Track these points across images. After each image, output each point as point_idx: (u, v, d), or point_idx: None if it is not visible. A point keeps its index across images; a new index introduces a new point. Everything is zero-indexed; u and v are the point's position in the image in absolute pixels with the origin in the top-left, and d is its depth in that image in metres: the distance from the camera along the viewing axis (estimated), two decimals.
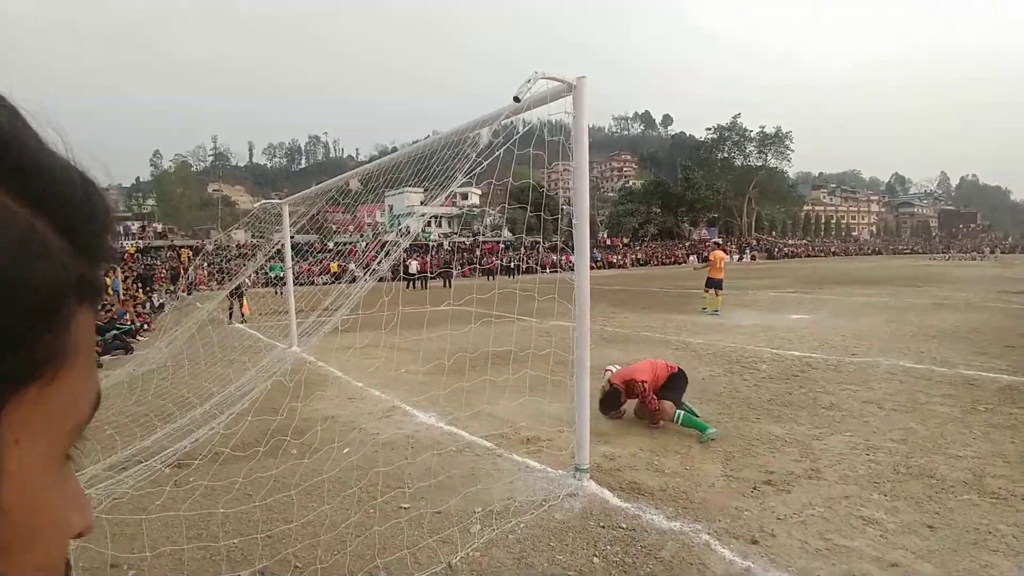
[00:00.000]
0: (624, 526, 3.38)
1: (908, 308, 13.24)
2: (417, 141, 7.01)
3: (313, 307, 7.33)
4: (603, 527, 3.38)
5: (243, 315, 14.61)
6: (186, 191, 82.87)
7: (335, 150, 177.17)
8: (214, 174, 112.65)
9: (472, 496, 3.76)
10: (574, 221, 4.00)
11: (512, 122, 4.11)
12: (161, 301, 19.00)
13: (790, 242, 77.23)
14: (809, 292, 18.72)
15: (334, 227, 34.82)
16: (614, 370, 6.10)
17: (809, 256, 67.57)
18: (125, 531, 3.23)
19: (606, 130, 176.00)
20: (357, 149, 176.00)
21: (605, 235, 59.80)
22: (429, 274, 23.11)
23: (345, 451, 4.60)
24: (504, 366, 6.84)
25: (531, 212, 5.33)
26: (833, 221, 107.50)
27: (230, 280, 12.60)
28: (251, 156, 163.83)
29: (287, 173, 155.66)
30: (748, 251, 60.53)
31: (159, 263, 32.25)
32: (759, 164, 70.67)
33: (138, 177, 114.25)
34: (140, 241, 40.00)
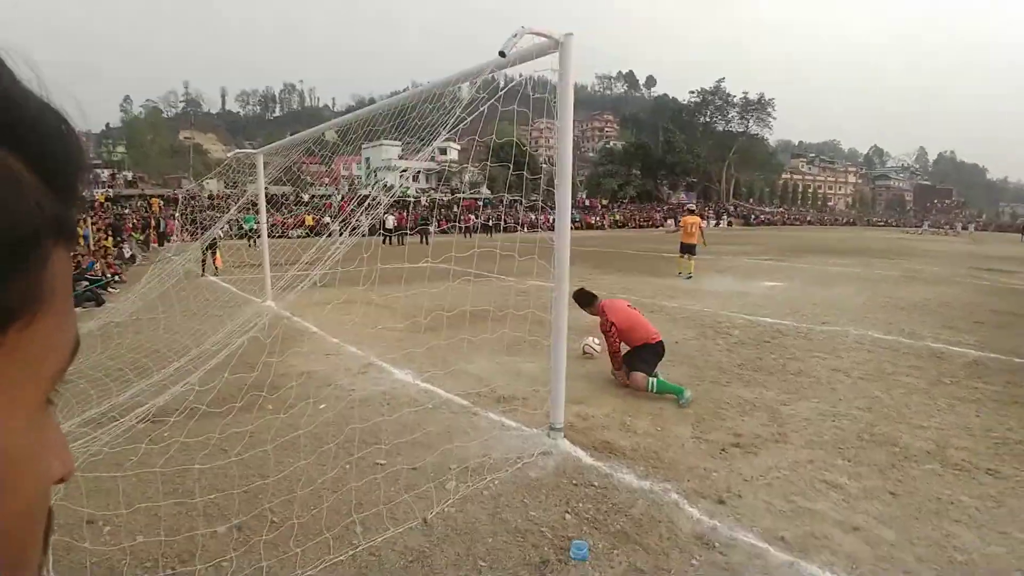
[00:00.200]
0: (596, 484, 3.46)
1: (880, 280, 13.54)
2: (396, 92, 6.82)
3: (288, 261, 7.24)
4: (576, 484, 3.46)
5: (216, 268, 14.35)
6: (156, 138, 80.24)
7: (311, 99, 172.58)
8: (185, 121, 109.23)
9: (448, 453, 3.81)
10: (556, 181, 3.96)
11: (494, 77, 4.01)
12: (132, 252, 18.55)
13: (767, 210, 77.87)
14: (784, 260, 19.00)
15: (309, 179, 34.20)
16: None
17: (785, 224, 68.28)
18: (101, 487, 3.21)
19: (589, 88, 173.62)
20: (333, 98, 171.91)
21: (584, 196, 59.53)
22: (407, 231, 22.87)
23: (321, 407, 4.61)
24: (482, 324, 6.86)
25: (512, 172, 5.28)
26: (810, 190, 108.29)
27: (203, 232, 12.30)
28: (224, 103, 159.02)
29: (261, 121, 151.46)
30: (725, 217, 60.89)
31: (129, 212, 31.38)
32: (740, 130, 70.70)
33: (108, 123, 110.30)
34: (110, 190, 38.84)
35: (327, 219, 25.60)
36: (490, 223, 28.30)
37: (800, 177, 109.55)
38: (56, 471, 0.35)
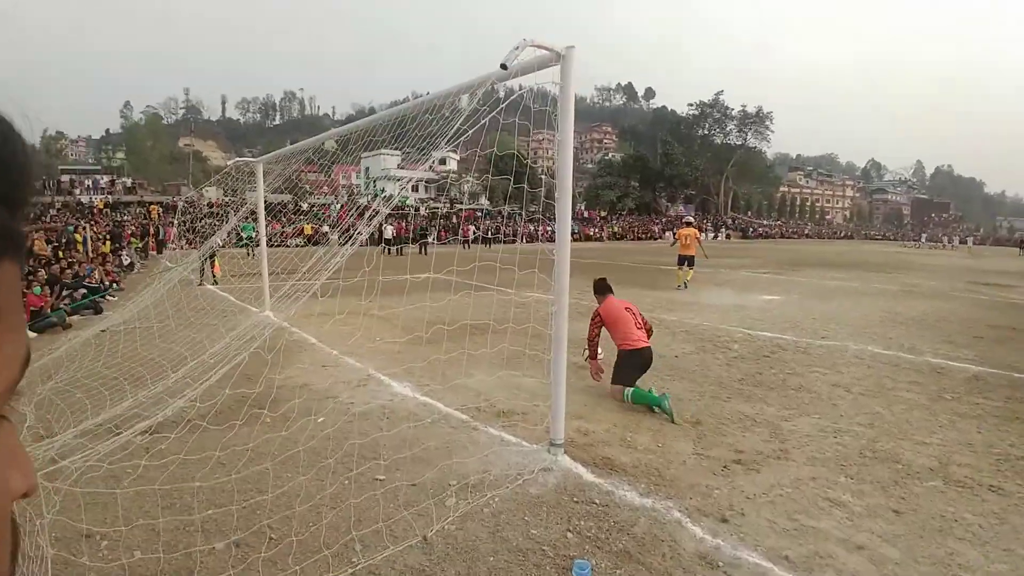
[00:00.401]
0: (597, 502, 3.43)
1: (878, 294, 13.55)
2: (396, 102, 6.84)
3: (286, 270, 7.21)
4: (577, 502, 3.43)
5: (214, 276, 14.32)
6: (156, 144, 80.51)
7: (311, 107, 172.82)
8: (185, 128, 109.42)
9: (447, 469, 3.78)
10: (556, 193, 3.96)
11: (495, 88, 4.02)
12: (130, 260, 18.50)
13: (765, 222, 78.05)
14: (782, 273, 19.01)
15: (308, 188, 34.20)
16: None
17: (783, 237, 68.41)
18: (98, 501, 3.18)
19: (588, 100, 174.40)
20: (333, 107, 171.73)
21: (583, 207, 59.62)
22: (406, 240, 22.87)
23: (319, 420, 4.57)
24: (482, 338, 6.83)
25: (513, 184, 5.29)
26: (808, 204, 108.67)
27: (202, 240, 12.27)
28: (224, 110, 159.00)
29: (261, 129, 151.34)
30: (723, 230, 61.02)
31: (128, 219, 31.36)
32: (739, 143, 71.01)
33: (107, 129, 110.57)
34: (109, 196, 38.89)
35: (326, 228, 25.62)
36: (488, 235, 28.32)
37: (798, 190, 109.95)
38: (17, 486, 0.33)
